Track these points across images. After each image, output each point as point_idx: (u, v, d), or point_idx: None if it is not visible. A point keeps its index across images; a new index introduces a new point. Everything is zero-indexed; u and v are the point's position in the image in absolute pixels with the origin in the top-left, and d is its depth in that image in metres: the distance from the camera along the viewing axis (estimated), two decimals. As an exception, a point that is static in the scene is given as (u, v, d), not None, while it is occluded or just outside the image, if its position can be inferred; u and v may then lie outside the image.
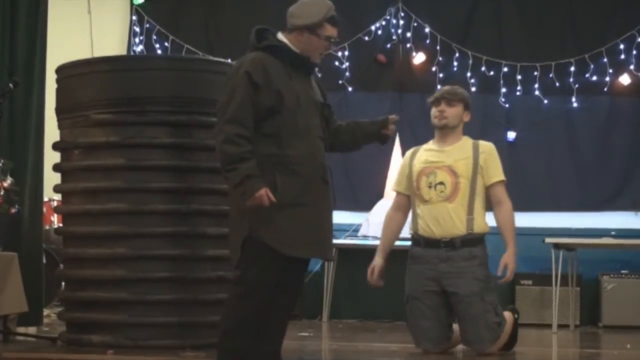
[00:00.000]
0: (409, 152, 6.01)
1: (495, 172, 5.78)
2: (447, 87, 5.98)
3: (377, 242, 8.86)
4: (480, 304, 5.58)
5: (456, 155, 5.75)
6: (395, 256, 8.96)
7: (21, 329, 6.28)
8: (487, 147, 5.83)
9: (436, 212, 5.69)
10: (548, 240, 8.16)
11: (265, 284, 4.38)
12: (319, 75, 9.55)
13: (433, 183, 5.72)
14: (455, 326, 5.79)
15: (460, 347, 5.87)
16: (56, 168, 5.92)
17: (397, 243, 8.83)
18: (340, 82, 9.65)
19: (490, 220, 5.79)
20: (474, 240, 5.67)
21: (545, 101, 9.54)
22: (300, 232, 4.40)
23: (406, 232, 8.93)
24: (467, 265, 5.63)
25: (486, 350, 5.60)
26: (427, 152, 5.86)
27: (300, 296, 4.67)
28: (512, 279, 5.95)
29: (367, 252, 9.05)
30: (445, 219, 5.67)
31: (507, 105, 9.48)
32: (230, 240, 4.52)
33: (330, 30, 4.57)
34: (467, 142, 5.85)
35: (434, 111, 5.84)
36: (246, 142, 4.32)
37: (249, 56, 4.50)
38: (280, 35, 4.58)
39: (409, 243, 8.74)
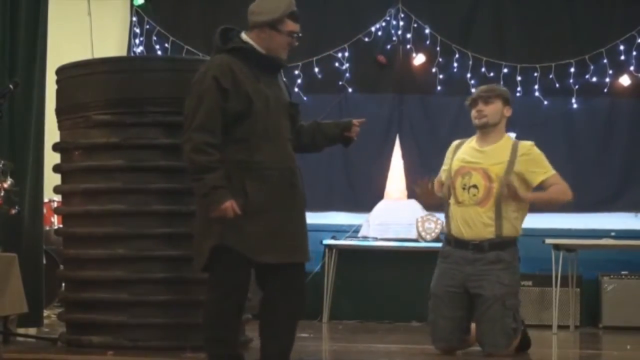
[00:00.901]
0: (454, 144, 5.95)
1: (540, 170, 5.71)
2: (483, 87, 5.94)
3: (378, 244, 8.93)
4: (500, 308, 5.57)
5: (493, 158, 5.69)
6: (397, 258, 9.01)
7: (21, 330, 6.27)
8: (525, 149, 5.76)
9: (467, 215, 5.67)
10: (548, 241, 8.15)
11: (238, 288, 4.46)
12: (319, 77, 9.63)
13: (467, 185, 5.68)
14: (473, 326, 5.76)
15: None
16: (56, 169, 5.91)
17: (405, 245, 8.90)
18: (340, 83, 9.65)
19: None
20: (502, 244, 5.64)
21: (545, 102, 9.54)
22: (270, 238, 4.41)
23: (409, 234, 8.98)
24: (493, 268, 5.60)
25: (498, 353, 5.59)
26: (467, 149, 5.80)
27: (303, 304, 4.64)
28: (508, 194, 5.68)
29: (368, 253, 9.08)
30: (475, 222, 5.65)
31: (507, 106, 9.48)
32: (195, 244, 4.55)
33: (292, 26, 4.54)
34: (507, 142, 5.78)
35: (472, 112, 5.78)
36: (215, 150, 4.33)
37: (215, 59, 4.49)
38: (245, 36, 4.55)
39: (408, 244, 8.82)
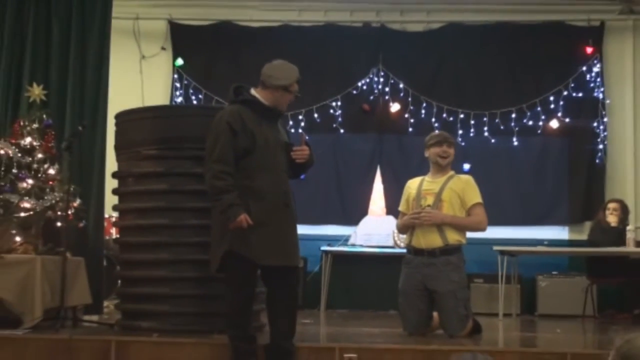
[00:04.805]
0: (410, 181, 6.01)
1: (472, 196, 5.76)
2: (443, 133, 6.01)
3: (364, 249, 8.92)
4: (453, 300, 5.58)
5: (443, 184, 5.76)
6: (379, 261, 9.00)
7: (86, 317, 6.26)
8: (465, 179, 5.85)
9: (425, 228, 5.69)
10: (495, 248, 8.14)
11: (245, 285, 4.51)
12: (318, 120, 9.66)
13: (423, 206, 5.73)
14: (435, 314, 5.76)
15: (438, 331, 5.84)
16: (114, 192, 5.91)
17: (384, 250, 8.89)
18: (334, 125, 9.66)
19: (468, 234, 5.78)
20: (450, 250, 5.66)
21: (493, 140, 9.55)
22: (268, 246, 4.46)
23: (387, 242, 8.95)
24: (444, 269, 5.62)
25: (456, 335, 5.59)
26: (424, 182, 5.87)
27: (296, 297, 4.67)
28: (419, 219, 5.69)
29: (356, 257, 9.07)
30: (428, 235, 5.67)
31: (463, 144, 9.50)
32: (211, 250, 4.63)
33: (296, 87, 4.67)
34: (451, 174, 5.87)
35: (438, 150, 5.80)
36: (229, 177, 4.42)
37: (228, 108, 4.61)
38: (253, 91, 4.65)
39: (394, 250, 8.81)
